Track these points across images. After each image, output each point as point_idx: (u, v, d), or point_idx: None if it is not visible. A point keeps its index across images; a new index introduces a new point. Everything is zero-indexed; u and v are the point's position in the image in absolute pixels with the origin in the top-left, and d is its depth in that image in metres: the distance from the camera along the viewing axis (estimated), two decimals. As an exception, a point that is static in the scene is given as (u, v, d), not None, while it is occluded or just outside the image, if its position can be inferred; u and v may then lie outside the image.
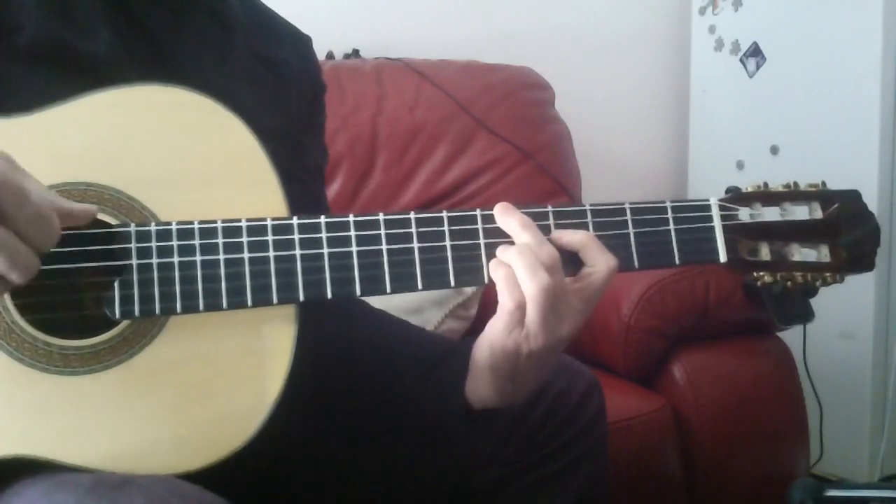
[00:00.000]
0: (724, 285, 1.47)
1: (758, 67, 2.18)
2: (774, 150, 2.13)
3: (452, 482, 0.94)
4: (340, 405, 0.95)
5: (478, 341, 0.80)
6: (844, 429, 1.94)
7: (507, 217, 0.77)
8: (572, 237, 0.78)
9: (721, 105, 2.31)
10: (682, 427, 1.45)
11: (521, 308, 0.74)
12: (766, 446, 1.48)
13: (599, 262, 0.77)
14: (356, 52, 2.12)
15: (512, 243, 0.76)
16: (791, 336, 1.56)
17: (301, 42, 1.00)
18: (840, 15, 1.97)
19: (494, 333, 0.76)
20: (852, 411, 1.96)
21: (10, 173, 0.60)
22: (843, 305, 1.87)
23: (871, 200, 1.83)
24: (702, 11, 2.33)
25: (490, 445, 0.93)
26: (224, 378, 0.72)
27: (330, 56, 2.09)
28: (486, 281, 0.77)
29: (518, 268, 0.74)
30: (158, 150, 0.73)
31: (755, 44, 2.18)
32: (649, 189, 2.46)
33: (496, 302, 0.76)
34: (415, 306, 1.63)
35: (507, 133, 1.96)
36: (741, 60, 2.22)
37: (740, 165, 2.24)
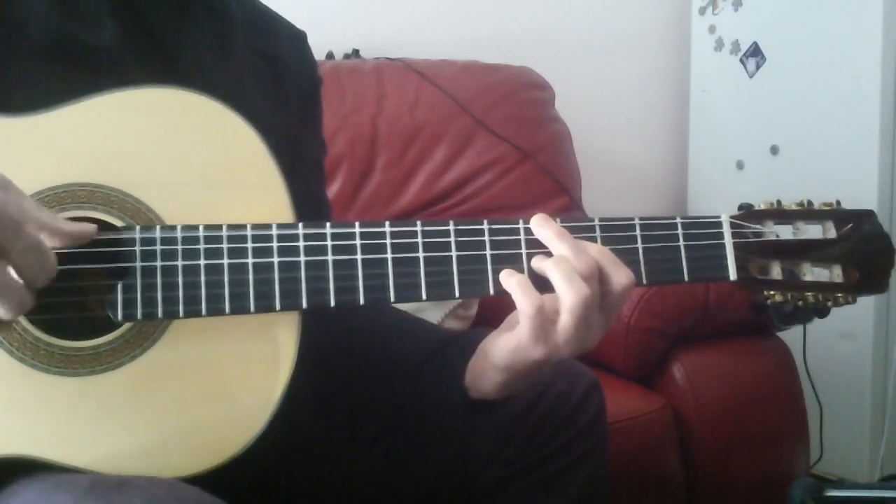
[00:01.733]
0: (724, 286, 1.46)
1: (758, 67, 2.18)
2: (774, 150, 2.13)
3: (453, 483, 0.94)
4: (340, 401, 0.96)
5: (496, 342, 0.79)
6: (844, 429, 1.94)
7: (543, 227, 0.77)
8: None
9: (721, 105, 2.31)
10: (682, 427, 1.45)
11: (541, 311, 0.73)
12: (766, 446, 1.48)
13: (616, 275, 0.76)
14: (356, 52, 2.12)
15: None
16: (791, 336, 1.56)
17: (297, 38, 1.00)
18: (840, 15, 1.97)
19: (521, 341, 0.75)
20: (852, 411, 1.96)
21: (9, 204, 0.59)
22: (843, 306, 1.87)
23: (871, 201, 1.84)
24: (702, 11, 2.33)
25: (490, 446, 0.93)
26: (225, 382, 0.72)
27: (330, 56, 2.09)
28: (490, 292, 0.76)
29: (555, 278, 0.73)
30: (164, 153, 0.73)
31: (755, 44, 2.18)
32: (649, 189, 2.47)
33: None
34: (415, 306, 1.62)
35: (507, 133, 1.96)
36: (741, 60, 2.22)
37: (740, 165, 2.24)
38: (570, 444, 0.93)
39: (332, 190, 1.82)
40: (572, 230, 0.78)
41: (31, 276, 0.61)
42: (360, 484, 0.95)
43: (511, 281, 0.75)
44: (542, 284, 0.75)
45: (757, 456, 1.47)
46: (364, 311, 0.96)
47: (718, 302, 1.48)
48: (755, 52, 2.18)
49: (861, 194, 1.87)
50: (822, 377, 1.80)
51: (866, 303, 1.92)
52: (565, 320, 0.73)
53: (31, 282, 0.61)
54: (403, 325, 0.96)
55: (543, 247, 0.77)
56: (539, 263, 0.76)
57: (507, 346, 0.76)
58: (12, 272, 0.60)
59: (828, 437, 1.84)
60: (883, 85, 1.89)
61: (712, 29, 2.30)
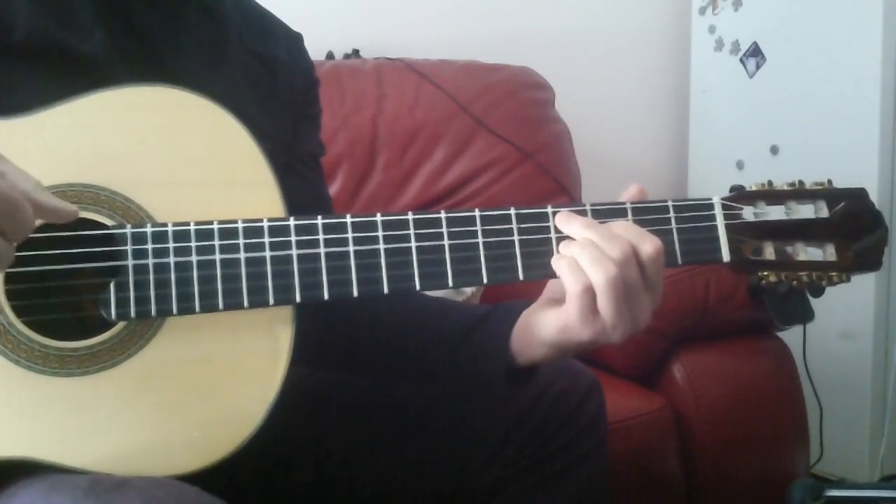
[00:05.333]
0: (725, 285, 1.46)
1: (758, 67, 2.17)
2: (774, 150, 2.13)
3: (453, 483, 0.94)
4: (355, 396, 0.96)
5: (544, 318, 0.79)
6: (844, 429, 1.93)
7: (569, 223, 0.77)
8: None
9: (721, 105, 2.31)
10: (682, 427, 1.45)
11: (588, 291, 0.73)
12: (766, 446, 1.48)
13: (644, 246, 0.76)
14: (356, 52, 2.12)
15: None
16: (791, 336, 1.56)
17: (293, 39, 1.00)
18: (840, 15, 1.96)
19: (569, 322, 0.75)
20: (852, 411, 1.96)
21: None
22: (843, 305, 1.87)
23: (872, 200, 1.83)
24: (702, 11, 2.33)
25: (490, 446, 0.93)
26: (221, 379, 0.72)
27: (330, 56, 2.09)
28: (484, 281, 0.76)
29: (582, 259, 0.74)
30: (155, 151, 0.73)
31: (755, 44, 2.18)
32: (649, 189, 2.44)
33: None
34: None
35: (507, 133, 1.96)
36: (741, 60, 2.21)
37: (740, 165, 2.23)
38: (570, 444, 0.93)
39: (332, 190, 1.82)
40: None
41: (7, 230, 0.59)
42: (360, 484, 0.95)
43: (562, 263, 0.75)
44: None
45: (757, 456, 1.47)
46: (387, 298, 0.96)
47: (718, 302, 1.48)
48: (755, 52, 2.18)
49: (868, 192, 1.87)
50: (822, 377, 1.80)
51: (866, 303, 1.92)
52: (601, 302, 0.73)
53: (8, 235, 0.60)
54: (437, 304, 0.95)
55: None
56: (566, 248, 0.76)
57: (556, 324, 0.77)
58: None
59: (828, 437, 1.84)
60: (883, 85, 1.88)
61: (712, 29, 2.30)
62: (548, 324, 0.78)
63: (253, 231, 0.72)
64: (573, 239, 0.76)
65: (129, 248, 0.69)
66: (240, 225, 0.72)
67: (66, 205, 0.65)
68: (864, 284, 1.87)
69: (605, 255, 0.73)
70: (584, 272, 0.73)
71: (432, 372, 0.91)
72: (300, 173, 0.96)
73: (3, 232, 0.60)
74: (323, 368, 0.99)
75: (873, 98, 1.89)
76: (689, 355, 1.49)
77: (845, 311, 1.90)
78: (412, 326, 0.92)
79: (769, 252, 0.81)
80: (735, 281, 1.44)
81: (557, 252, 0.77)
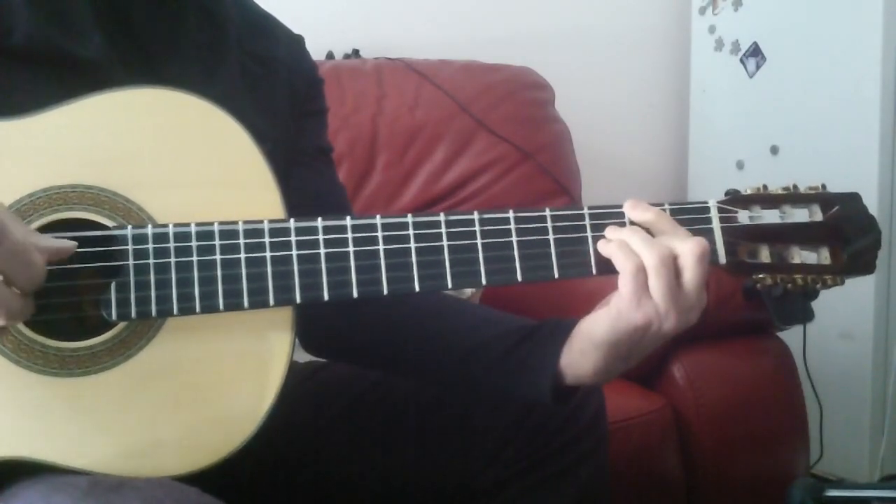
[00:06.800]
0: (725, 285, 1.46)
1: (758, 67, 2.17)
2: (774, 151, 2.13)
3: (453, 483, 0.94)
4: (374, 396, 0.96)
5: (595, 318, 0.80)
6: (844, 429, 1.94)
7: (644, 211, 0.78)
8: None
9: (721, 105, 2.31)
10: (682, 427, 1.45)
11: (641, 270, 0.74)
12: (767, 446, 1.48)
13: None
14: (356, 52, 2.12)
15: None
16: (791, 336, 1.56)
17: (294, 42, 1.00)
18: (840, 15, 1.97)
19: (622, 307, 0.76)
20: (852, 411, 1.96)
21: None
22: (843, 305, 1.87)
23: (871, 201, 1.84)
24: (702, 11, 2.33)
25: (490, 446, 0.93)
26: (221, 380, 0.72)
27: (330, 56, 2.09)
28: (483, 282, 0.76)
29: (633, 241, 0.75)
30: (155, 153, 0.73)
31: (755, 44, 2.18)
32: (649, 189, 2.46)
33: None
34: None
35: (507, 133, 1.96)
36: (741, 60, 2.21)
37: (740, 165, 2.23)
38: (569, 444, 0.93)
39: (332, 190, 1.82)
40: (561, 219, 0.78)
41: (21, 283, 0.61)
42: (360, 484, 0.95)
43: (610, 246, 0.76)
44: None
45: (757, 456, 1.47)
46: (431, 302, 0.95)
47: (718, 302, 1.47)
48: (755, 52, 2.18)
49: (861, 194, 1.87)
50: (822, 377, 1.80)
51: (866, 303, 1.92)
52: (653, 282, 0.74)
53: (20, 287, 0.61)
54: (481, 312, 0.95)
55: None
56: (613, 233, 0.77)
57: (608, 316, 0.78)
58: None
59: (828, 437, 1.84)
60: (883, 85, 1.89)
61: (712, 29, 2.30)
62: (599, 318, 0.79)
63: (253, 232, 0.72)
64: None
65: (129, 248, 0.69)
66: (240, 226, 0.72)
67: (65, 241, 0.66)
68: (863, 285, 1.87)
69: (654, 240, 0.75)
70: (635, 252, 0.74)
71: (474, 380, 0.91)
72: (312, 167, 0.97)
73: (21, 286, 0.61)
74: (369, 369, 0.99)
75: (873, 98, 1.89)
76: (689, 355, 1.49)
77: (845, 312, 1.90)
78: (458, 333, 0.91)
79: (765, 255, 0.82)
80: (735, 282, 1.44)
81: (604, 238, 0.78)
